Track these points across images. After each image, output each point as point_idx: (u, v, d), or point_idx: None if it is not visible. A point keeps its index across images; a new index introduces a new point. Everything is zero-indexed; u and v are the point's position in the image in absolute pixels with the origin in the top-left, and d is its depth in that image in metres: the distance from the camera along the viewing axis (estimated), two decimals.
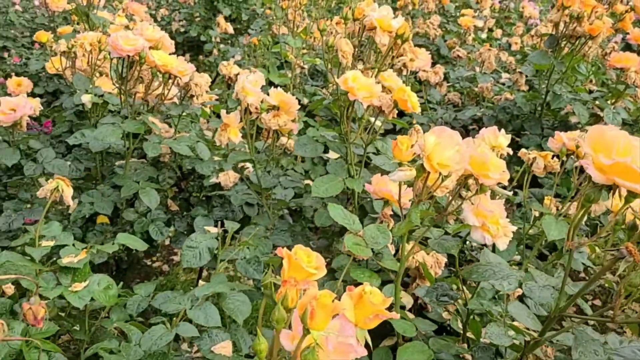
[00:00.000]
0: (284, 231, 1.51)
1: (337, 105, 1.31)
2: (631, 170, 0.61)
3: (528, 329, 0.88)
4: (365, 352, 0.61)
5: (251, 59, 2.60)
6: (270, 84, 2.54)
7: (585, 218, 1.29)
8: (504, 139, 1.31)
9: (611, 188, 0.67)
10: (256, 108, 1.45)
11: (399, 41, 1.35)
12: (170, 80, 1.62)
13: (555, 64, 1.81)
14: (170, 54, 1.67)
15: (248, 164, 1.80)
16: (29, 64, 3.06)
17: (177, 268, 2.73)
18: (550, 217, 1.17)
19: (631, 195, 0.68)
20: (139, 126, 1.56)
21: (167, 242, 2.78)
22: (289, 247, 1.65)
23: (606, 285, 1.55)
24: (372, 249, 1.02)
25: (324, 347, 0.56)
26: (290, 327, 0.60)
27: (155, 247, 2.27)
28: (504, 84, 2.54)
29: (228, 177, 1.85)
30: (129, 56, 1.48)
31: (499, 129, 1.26)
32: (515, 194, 1.43)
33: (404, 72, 2.35)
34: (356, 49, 1.33)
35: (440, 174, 0.85)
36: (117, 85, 1.57)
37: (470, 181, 0.92)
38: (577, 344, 0.69)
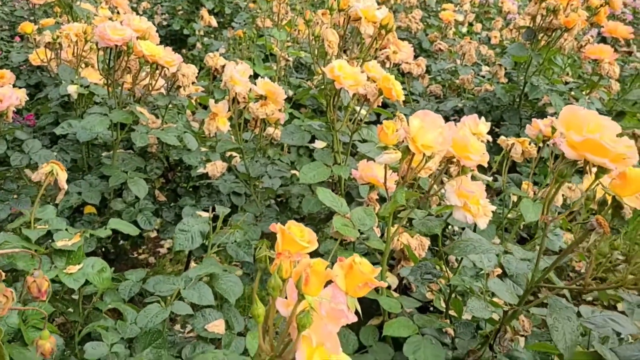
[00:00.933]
0: (272, 218, 1.54)
1: (323, 95, 1.35)
2: (600, 146, 0.66)
3: (506, 303, 0.93)
4: (355, 319, 0.65)
5: (236, 51, 2.62)
6: (255, 76, 2.56)
7: (561, 202, 1.35)
8: (483, 126, 1.35)
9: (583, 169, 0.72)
10: (244, 97, 1.47)
11: (383, 31, 1.39)
12: (158, 71, 1.63)
13: (533, 55, 1.87)
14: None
15: (236, 154, 1.82)
16: (10, 56, 3.02)
17: (164, 260, 2.74)
18: (528, 201, 1.23)
19: (601, 171, 0.73)
20: (126, 116, 1.58)
21: (153, 234, 2.79)
22: (274, 234, 1.67)
23: (579, 259, 1.63)
24: (359, 231, 1.06)
25: (319, 312, 0.59)
26: (285, 297, 0.64)
27: (142, 239, 2.28)
28: (484, 77, 2.61)
29: (215, 167, 1.87)
30: (116, 46, 1.49)
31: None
32: (495, 180, 1.48)
33: (387, 65, 2.40)
34: (341, 40, 1.36)
35: (424, 155, 0.89)
36: (104, 76, 1.58)
37: (452, 168, 0.97)
38: (551, 311, 0.74)
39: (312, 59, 1.37)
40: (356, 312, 1.18)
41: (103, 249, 2.07)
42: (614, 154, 0.67)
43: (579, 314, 0.87)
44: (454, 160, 0.93)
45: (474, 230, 1.13)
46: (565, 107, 0.71)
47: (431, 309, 1.27)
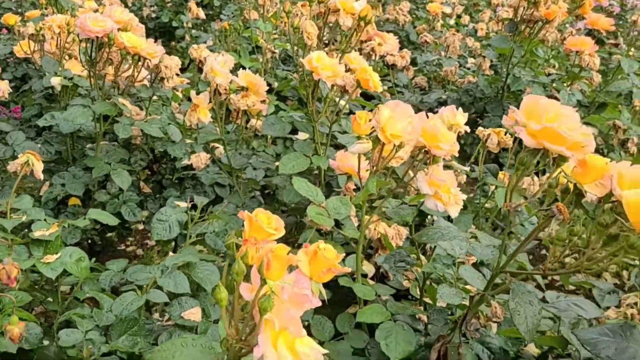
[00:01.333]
0: (254, 209, 1.55)
1: (303, 86, 1.36)
2: (557, 135, 0.68)
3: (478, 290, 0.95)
4: (319, 303, 0.67)
5: (223, 44, 2.62)
6: (241, 68, 2.56)
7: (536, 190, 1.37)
8: (461, 117, 1.37)
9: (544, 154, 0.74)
10: (225, 89, 1.48)
11: (362, 23, 1.40)
12: (140, 63, 1.64)
13: (515, 47, 1.89)
14: None
15: (219, 146, 1.83)
16: None
17: (152, 252, 2.75)
18: (503, 190, 1.25)
19: (561, 159, 0.75)
20: (109, 108, 1.58)
21: (140, 227, 2.80)
22: None
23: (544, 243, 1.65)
24: (335, 220, 1.08)
25: (280, 295, 0.61)
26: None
27: (129, 231, 2.29)
28: (469, 69, 2.62)
29: (200, 159, 1.88)
30: (97, 38, 1.49)
31: (464, 111, 1.33)
32: (472, 170, 1.50)
33: (374, 57, 2.41)
34: (321, 31, 1.37)
35: (394, 144, 0.91)
36: (87, 67, 1.58)
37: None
38: (514, 296, 0.76)
39: (292, 51, 1.39)
40: (332, 299, 1.20)
41: (89, 241, 2.08)
42: (571, 142, 0.68)
43: (544, 300, 0.89)
44: (425, 149, 0.94)
45: (450, 220, 1.15)
46: (527, 96, 0.73)
47: (410, 297, 1.30)
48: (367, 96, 2.58)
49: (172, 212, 1.11)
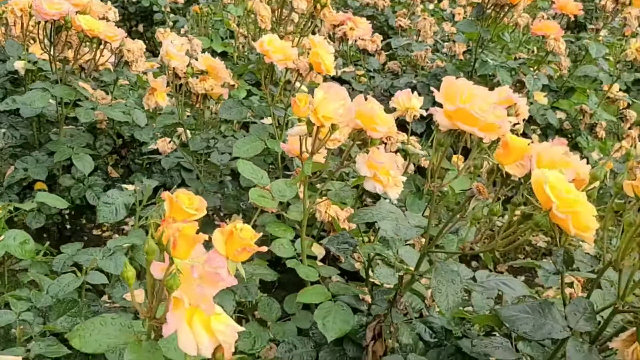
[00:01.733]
0: (215, 193, 1.56)
1: (257, 69, 1.36)
2: (470, 116, 0.69)
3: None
4: (235, 282, 0.68)
5: (196, 28, 2.60)
6: (213, 53, 2.55)
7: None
8: (416, 100, 1.38)
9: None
10: (184, 72, 1.48)
11: (318, 6, 1.39)
12: (102, 46, 1.63)
13: (481, 32, 1.89)
14: (116, 24, 1.67)
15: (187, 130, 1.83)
16: None
17: None
18: (454, 173, 1.26)
19: (480, 140, 0.76)
20: (68, 91, 1.58)
21: None
22: (219, 208, 1.69)
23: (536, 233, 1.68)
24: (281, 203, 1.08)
25: (188, 274, 0.62)
26: None
27: None
28: (445, 54, 2.62)
29: (166, 144, 1.89)
30: (54, 20, 1.48)
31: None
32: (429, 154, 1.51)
33: (350, 42, 2.40)
34: (275, 13, 1.37)
35: (330, 126, 0.91)
36: (46, 51, 1.57)
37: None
38: (436, 274, 0.78)
39: (247, 33, 1.38)
40: (290, 282, 1.20)
41: (59, 226, 2.08)
42: (484, 123, 0.69)
43: (474, 279, 0.90)
44: (363, 131, 0.95)
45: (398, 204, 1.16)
46: (445, 78, 0.73)
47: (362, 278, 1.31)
48: (342, 81, 2.58)
49: (118, 195, 1.11)
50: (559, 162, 0.75)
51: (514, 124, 1.32)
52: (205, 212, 0.74)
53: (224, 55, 2.72)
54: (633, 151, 1.63)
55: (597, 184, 0.74)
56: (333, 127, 0.90)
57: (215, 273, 0.65)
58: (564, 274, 0.81)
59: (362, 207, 0.97)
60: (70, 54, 1.60)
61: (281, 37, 1.38)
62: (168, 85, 1.50)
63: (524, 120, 1.31)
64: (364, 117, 0.93)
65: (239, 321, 1.42)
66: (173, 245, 0.61)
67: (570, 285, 1.07)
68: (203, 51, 2.18)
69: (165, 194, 0.73)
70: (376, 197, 1.39)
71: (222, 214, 1.75)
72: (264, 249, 0.71)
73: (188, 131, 1.76)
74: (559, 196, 0.63)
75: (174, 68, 1.42)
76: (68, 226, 2.15)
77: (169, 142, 1.68)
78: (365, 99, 0.97)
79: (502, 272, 1.52)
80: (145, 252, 0.63)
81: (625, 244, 0.64)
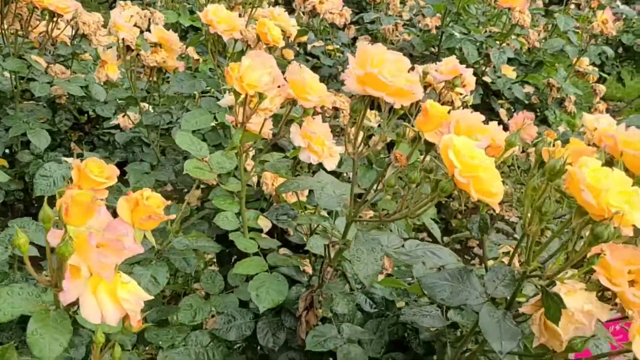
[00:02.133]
0: (169, 167, 1.55)
1: (206, 41, 1.33)
2: (378, 81, 0.67)
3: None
4: (141, 250, 0.67)
5: (164, 2, 2.55)
6: (183, 28, 2.51)
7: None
8: None
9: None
10: (136, 45, 1.45)
11: None
12: (55, 19, 1.59)
13: (447, 4, 1.86)
14: None
15: (146, 104, 1.81)
16: None
17: None
18: (404, 144, 1.25)
19: (400, 109, 0.75)
20: (20, 65, 1.55)
21: None
22: (173, 183, 1.66)
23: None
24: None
25: (86, 241, 0.61)
26: None
27: None
28: (420, 29, 2.59)
29: (126, 119, 1.86)
30: None
31: None
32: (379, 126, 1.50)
33: (321, 16, 2.36)
34: None
35: (258, 96, 0.90)
36: None
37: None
38: (356, 242, 0.77)
39: (197, 5, 1.35)
40: (223, 254, 1.19)
41: (24, 204, 2.07)
42: (393, 89, 0.68)
43: (404, 248, 0.90)
44: (295, 101, 0.94)
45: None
46: (359, 44, 0.72)
47: None
48: (313, 55, 2.55)
49: (56, 168, 1.10)
50: (477, 129, 0.75)
51: (463, 95, 1.31)
52: (115, 180, 0.73)
53: (195, 30, 2.67)
54: (578, 122, 1.62)
55: (514, 150, 0.74)
56: (260, 96, 0.88)
57: (117, 240, 0.64)
58: (485, 241, 0.81)
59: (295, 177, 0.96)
60: (19, 26, 1.56)
61: (231, 8, 1.36)
62: (120, 58, 1.48)
63: (471, 92, 1.30)
64: (296, 86, 0.91)
65: (182, 295, 1.43)
66: (65, 211, 0.60)
67: (508, 254, 1.07)
68: (168, 26, 2.14)
69: (73, 163, 0.72)
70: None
71: (180, 188, 1.75)
72: (172, 217, 0.70)
73: (147, 105, 1.75)
74: (461, 161, 0.62)
75: (123, 39, 1.40)
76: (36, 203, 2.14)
77: (123, 116, 1.65)
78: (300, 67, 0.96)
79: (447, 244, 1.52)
80: (40, 219, 0.62)
81: (529, 209, 0.64)
